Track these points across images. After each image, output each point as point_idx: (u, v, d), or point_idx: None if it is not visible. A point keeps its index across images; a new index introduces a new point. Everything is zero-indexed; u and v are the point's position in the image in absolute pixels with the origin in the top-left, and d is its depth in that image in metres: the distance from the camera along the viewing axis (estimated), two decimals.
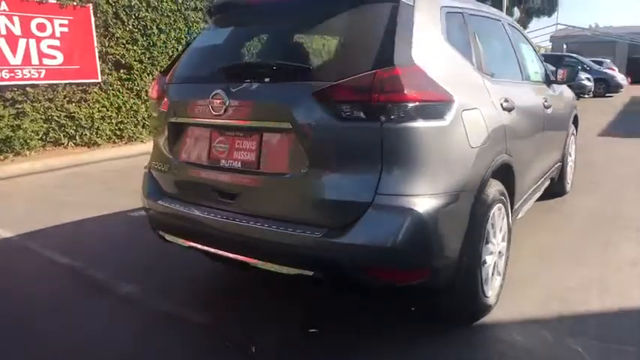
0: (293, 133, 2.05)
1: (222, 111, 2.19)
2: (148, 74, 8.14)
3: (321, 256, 1.98)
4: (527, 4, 34.81)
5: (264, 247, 2.12)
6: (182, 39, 8.61)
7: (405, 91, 1.88)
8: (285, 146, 2.12)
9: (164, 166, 2.58)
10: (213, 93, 2.21)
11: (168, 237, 2.55)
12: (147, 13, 7.96)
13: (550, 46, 32.63)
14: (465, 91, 2.26)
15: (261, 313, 2.62)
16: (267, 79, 2.13)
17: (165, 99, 2.53)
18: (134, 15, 7.77)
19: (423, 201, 1.92)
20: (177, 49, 8.52)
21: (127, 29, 7.74)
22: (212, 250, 2.34)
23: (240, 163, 2.24)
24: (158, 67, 8.24)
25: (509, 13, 38.25)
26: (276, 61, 2.18)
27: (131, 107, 7.99)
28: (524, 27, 37.88)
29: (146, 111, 8.15)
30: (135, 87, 7.99)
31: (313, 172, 2.01)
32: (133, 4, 7.71)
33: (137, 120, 8.15)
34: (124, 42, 7.75)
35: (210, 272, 3.22)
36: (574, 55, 21.20)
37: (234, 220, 2.20)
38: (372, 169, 1.93)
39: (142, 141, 8.16)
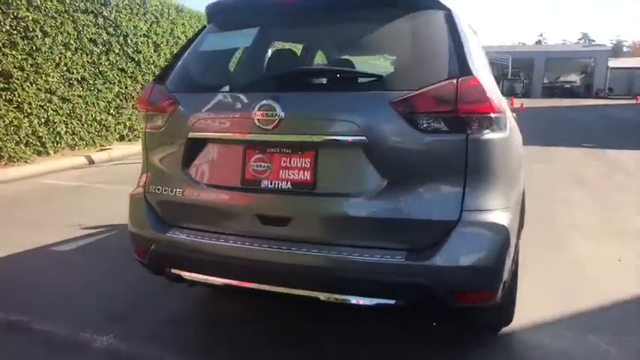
0: (365, 148, 1.85)
1: (272, 125, 1.91)
2: (32, 83, 7.01)
3: (406, 281, 1.81)
4: None
5: (334, 278, 1.88)
6: (71, 44, 7.59)
7: (488, 102, 1.82)
8: (353, 163, 1.90)
9: (174, 190, 2.17)
10: (260, 104, 1.91)
11: (187, 275, 2.15)
12: (28, 13, 6.85)
13: None
14: (502, 101, 2.28)
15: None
16: (330, 88, 1.90)
17: (177, 111, 2.14)
18: (12, 14, 6.64)
19: (504, 215, 1.87)
20: (65, 56, 7.49)
21: (4, 30, 6.58)
22: (257, 286, 2.01)
23: (289, 183, 1.96)
24: (43, 76, 7.14)
25: None
26: (342, 68, 1.96)
27: (11, 122, 6.78)
28: None
29: (30, 126, 7.00)
30: (15, 98, 6.80)
31: (390, 190, 1.83)
32: (10, 0, 6.58)
33: (19, 137, 6.94)
34: (0, 45, 6.57)
35: (191, 307, 2.81)
36: None
37: (290, 249, 1.92)
38: (456, 184, 1.83)
39: (26, 161, 6.98)
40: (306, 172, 1.94)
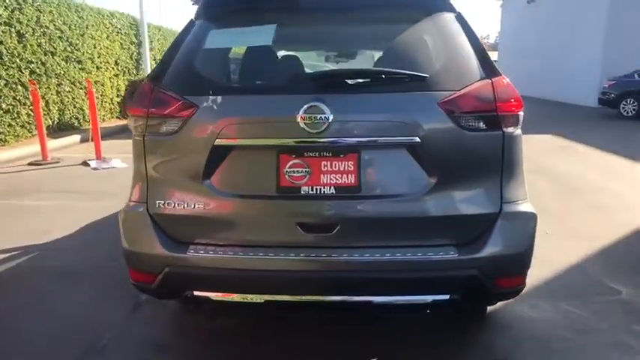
0: (414, 148, 1.87)
1: (321, 128, 1.82)
2: None
3: (461, 275, 1.88)
4: None
5: (391, 280, 1.87)
6: None
7: (518, 100, 1.95)
8: (400, 163, 1.91)
9: (193, 203, 1.95)
10: (307, 106, 1.81)
11: (216, 296, 1.95)
12: None
13: None
14: None
15: None
16: (375, 90, 1.86)
17: (197, 115, 1.92)
18: None
19: (530, 205, 2.03)
20: None
21: None
22: (306, 298, 1.92)
23: (333, 188, 1.90)
24: None
25: None
26: (387, 69, 1.92)
27: None
28: None
29: None
30: None
31: (439, 188, 1.88)
32: None
33: None
34: None
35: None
36: None
37: (342, 256, 1.86)
38: (495, 178, 1.94)
39: None
40: (350, 176, 1.90)
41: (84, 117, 10.13)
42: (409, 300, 1.95)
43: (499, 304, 2.63)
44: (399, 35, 2.14)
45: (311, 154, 1.90)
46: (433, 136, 1.86)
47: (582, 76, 18.17)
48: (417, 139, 1.85)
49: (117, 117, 11.98)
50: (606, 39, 16.90)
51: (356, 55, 2.46)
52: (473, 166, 1.92)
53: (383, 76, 1.91)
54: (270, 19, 2.10)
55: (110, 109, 11.71)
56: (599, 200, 5.08)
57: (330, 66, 3.30)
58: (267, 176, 1.92)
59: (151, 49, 13.60)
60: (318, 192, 1.90)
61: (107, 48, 11.31)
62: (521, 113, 1.97)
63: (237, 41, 2.20)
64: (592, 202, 5.00)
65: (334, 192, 1.90)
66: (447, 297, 1.93)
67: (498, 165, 1.94)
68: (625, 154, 7.72)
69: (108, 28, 11.37)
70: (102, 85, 11.14)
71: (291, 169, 1.91)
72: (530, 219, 1.98)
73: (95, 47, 10.69)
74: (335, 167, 1.90)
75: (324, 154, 1.90)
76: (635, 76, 13.68)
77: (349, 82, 1.94)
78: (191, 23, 2.22)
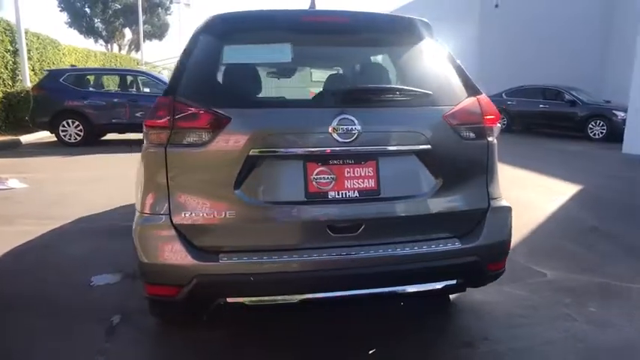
0: (424, 154, 2.16)
1: (352, 138, 2.04)
2: None
3: (467, 262, 2.20)
4: (138, 27, 35.92)
5: (412, 270, 2.12)
6: None
7: (497, 114, 2.35)
8: (413, 168, 2.19)
9: (224, 212, 2.02)
10: (340, 118, 2.02)
11: (249, 301, 2.03)
12: None
13: None
14: None
15: None
16: (392, 104, 2.11)
17: (231, 127, 2.00)
18: None
19: (505, 200, 2.44)
20: None
21: None
22: (339, 294, 2.09)
23: (357, 192, 2.11)
24: None
25: (121, 34, 38.49)
26: (400, 86, 2.18)
27: None
28: (138, 49, 38.88)
29: None
30: None
31: (444, 188, 2.20)
32: None
33: None
34: None
35: None
36: None
37: (369, 252, 2.08)
38: (483, 179, 2.33)
39: None
40: (370, 180, 2.13)
41: None
42: (426, 288, 2.22)
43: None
44: (400, 57, 2.43)
45: (336, 162, 2.10)
46: (440, 144, 2.19)
47: None
48: (429, 147, 2.16)
49: None
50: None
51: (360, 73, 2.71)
52: (467, 168, 2.29)
53: (397, 93, 2.20)
54: (280, 38, 2.26)
55: None
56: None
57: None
58: (295, 183, 2.07)
59: (30, 59, 12.35)
60: (344, 196, 2.10)
61: None
62: (498, 125, 2.38)
63: (255, 57, 2.31)
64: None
65: (357, 195, 2.11)
66: (454, 282, 2.24)
67: (485, 167, 2.33)
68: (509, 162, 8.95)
69: None
70: None
71: (318, 176, 2.08)
72: (509, 212, 2.39)
73: None
74: (357, 173, 2.12)
75: (348, 161, 2.11)
76: (503, 95, 15.21)
77: (371, 97, 2.19)
78: (197, 38, 2.26)
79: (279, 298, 2.09)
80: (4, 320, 2.77)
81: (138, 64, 24.43)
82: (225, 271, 2.00)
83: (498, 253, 2.36)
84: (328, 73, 2.41)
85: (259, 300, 2.08)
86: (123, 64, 21.50)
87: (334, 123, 2.03)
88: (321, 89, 2.27)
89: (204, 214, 2.03)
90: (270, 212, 2.06)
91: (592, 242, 4.36)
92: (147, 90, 11.09)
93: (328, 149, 2.07)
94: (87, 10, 35.49)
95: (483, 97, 2.34)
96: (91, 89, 10.64)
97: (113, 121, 10.13)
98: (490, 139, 2.32)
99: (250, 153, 2.01)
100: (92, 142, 10.35)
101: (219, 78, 2.17)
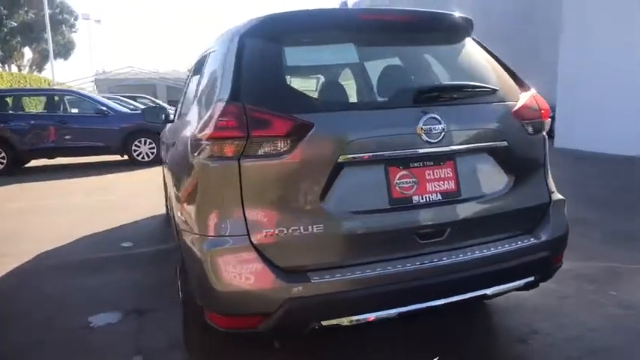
0: (499, 151, 2.11)
1: (439, 138, 1.94)
2: None
3: (539, 257, 2.16)
4: (39, 46, 33.25)
5: (499, 271, 2.04)
6: None
7: (547, 110, 2.37)
8: (488, 166, 2.13)
9: (311, 227, 1.81)
10: (426, 118, 1.90)
11: (347, 322, 1.83)
12: None
13: (95, 88, 32.21)
14: None
15: None
16: (467, 101, 2.05)
17: (315, 134, 1.81)
18: None
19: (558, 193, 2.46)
20: None
21: None
22: (421, 305, 1.95)
23: (439, 194, 2.00)
24: None
25: (20, 54, 35.35)
26: (475, 83, 2.11)
27: None
28: (40, 69, 35.87)
29: None
30: None
31: (516, 185, 2.16)
32: None
33: None
34: None
35: None
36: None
37: (459, 256, 1.98)
38: (542, 173, 2.32)
39: None
40: (450, 182, 2.04)
41: None
42: (511, 287, 2.15)
43: None
44: (459, 54, 2.37)
45: (416, 165, 1.98)
46: (513, 140, 2.15)
47: None
48: (505, 143, 2.11)
49: None
50: None
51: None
52: (532, 163, 2.28)
53: (472, 89, 2.13)
54: (339, 38, 2.12)
55: None
56: None
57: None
58: (378, 190, 1.92)
59: None
60: (428, 200, 1.98)
61: None
62: (548, 120, 2.41)
63: (318, 58, 2.12)
64: None
65: (440, 198, 2.01)
66: (532, 279, 2.20)
67: (543, 161, 2.33)
68: None
69: None
70: None
71: (401, 181, 1.95)
72: (564, 204, 2.40)
73: None
74: (437, 175, 2.01)
75: (428, 163, 2.00)
76: None
77: (449, 94, 2.10)
78: (243, 41, 2.01)
79: (382, 314, 1.91)
80: None
81: (49, 84, 22.55)
82: (319, 292, 1.79)
83: (561, 246, 2.35)
84: (393, 71, 2.32)
85: (354, 320, 1.88)
86: (32, 85, 19.75)
87: (421, 123, 1.92)
88: (393, 89, 2.15)
89: (288, 231, 1.81)
90: (357, 222, 1.89)
91: (582, 231, 4.57)
92: (75, 110, 10.22)
93: (413, 151, 1.95)
94: None
95: (534, 92, 2.35)
96: (10, 112, 9.58)
97: (40, 145, 9.18)
98: (544, 133, 2.34)
99: (339, 160, 1.84)
100: (16, 170, 9.31)
101: (288, 82, 1.97)
